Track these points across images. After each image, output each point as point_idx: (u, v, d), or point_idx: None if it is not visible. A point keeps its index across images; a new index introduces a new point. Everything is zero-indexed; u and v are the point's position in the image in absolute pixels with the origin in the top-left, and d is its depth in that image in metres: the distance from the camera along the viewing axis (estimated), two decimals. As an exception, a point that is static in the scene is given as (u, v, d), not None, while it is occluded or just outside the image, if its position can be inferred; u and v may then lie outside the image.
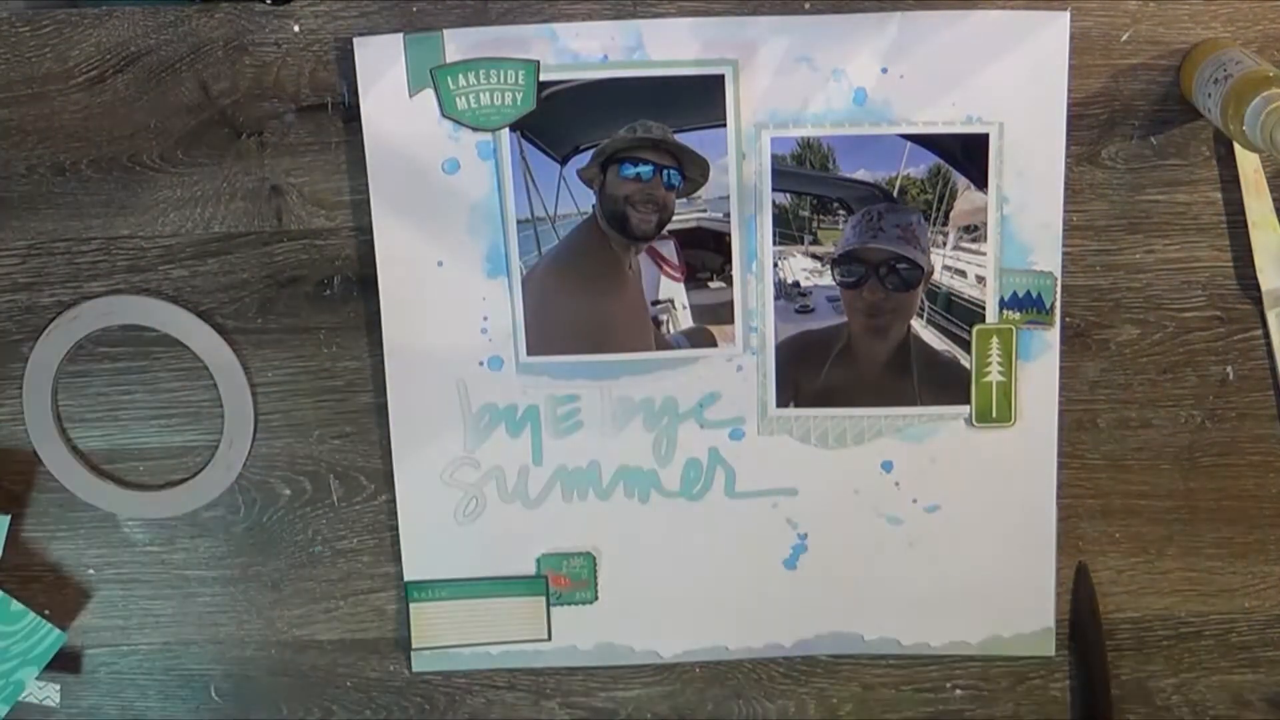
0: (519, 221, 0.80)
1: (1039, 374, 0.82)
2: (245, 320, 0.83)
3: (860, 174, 0.79)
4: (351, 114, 0.79)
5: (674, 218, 0.80)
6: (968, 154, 0.79)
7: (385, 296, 0.81)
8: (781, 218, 0.80)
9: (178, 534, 0.86)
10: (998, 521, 0.84)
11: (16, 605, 0.84)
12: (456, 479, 0.84)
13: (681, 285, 0.81)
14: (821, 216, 0.80)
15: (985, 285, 0.81)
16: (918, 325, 0.81)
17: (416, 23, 0.78)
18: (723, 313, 0.82)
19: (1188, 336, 0.82)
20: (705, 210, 0.80)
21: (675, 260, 0.81)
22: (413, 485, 0.84)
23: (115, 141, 0.80)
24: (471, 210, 0.80)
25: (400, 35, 0.78)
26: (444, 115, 0.78)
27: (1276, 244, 0.80)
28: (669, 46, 0.78)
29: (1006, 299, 0.81)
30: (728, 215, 0.80)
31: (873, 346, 0.82)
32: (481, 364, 0.82)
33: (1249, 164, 0.79)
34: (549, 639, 0.86)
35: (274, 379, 0.83)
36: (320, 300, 0.82)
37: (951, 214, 0.80)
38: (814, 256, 0.81)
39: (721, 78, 0.78)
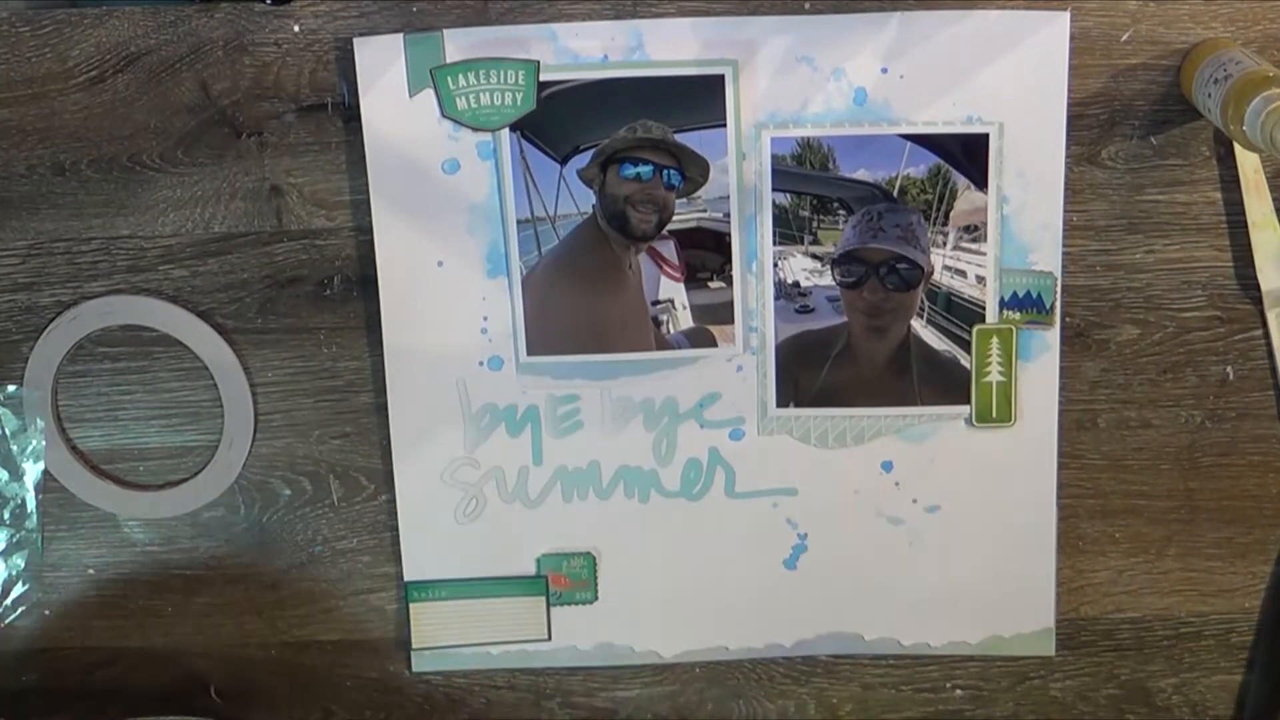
0: (519, 221, 0.80)
1: (1039, 374, 0.82)
2: (245, 320, 0.83)
3: (860, 174, 0.79)
4: (351, 114, 0.79)
5: (674, 218, 0.80)
6: (968, 154, 0.79)
7: (385, 296, 0.81)
8: (781, 218, 0.80)
9: (178, 534, 0.86)
10: (998, 521, 0.84)
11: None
12: (456, 479, 0.84)
13: (681, 285, 0.81)
14: (821, 216, 0.80)
15: (985, 285, 0.81)
16: (918, 325, 0.81)
17: (416, 23, 0.78)
18: (723, 313, 0.82)
19: (1188, 336, 0.82)
20: (705, 210, 0.80)
21: (675, 260, 0.81)
22: (413, 485, 0.84)
23: (115, 141, 0.80)
24: (471, 210, 0.80)
25: (400, 35, 0.78)
26: (444, 115, 0.78)
27: (1276, 244, 0.80)
28: (669, 46, 0.78)
29: (1006, 299, 0.81)
30: (728, 215, 0.80)
31: (873, 346, 0.82)
32: (481, 364, 0.82)
33: (1249, 164, 0.79)
34: (549, 639, 0.86)
35: (274, 379, 0.83)
36: (320, 300, 0.82)
37: (951, 214, 0.80)
38: (814, 256, 0.81)
39: (721, 78, 0.78)
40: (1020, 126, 0.79)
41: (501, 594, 0.85)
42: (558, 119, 0.79)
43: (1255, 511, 0.84)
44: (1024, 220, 0.80)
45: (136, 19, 0.78)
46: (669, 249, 0.81)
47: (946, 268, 0.81)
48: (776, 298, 0.81)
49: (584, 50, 0.78)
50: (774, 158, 0.79)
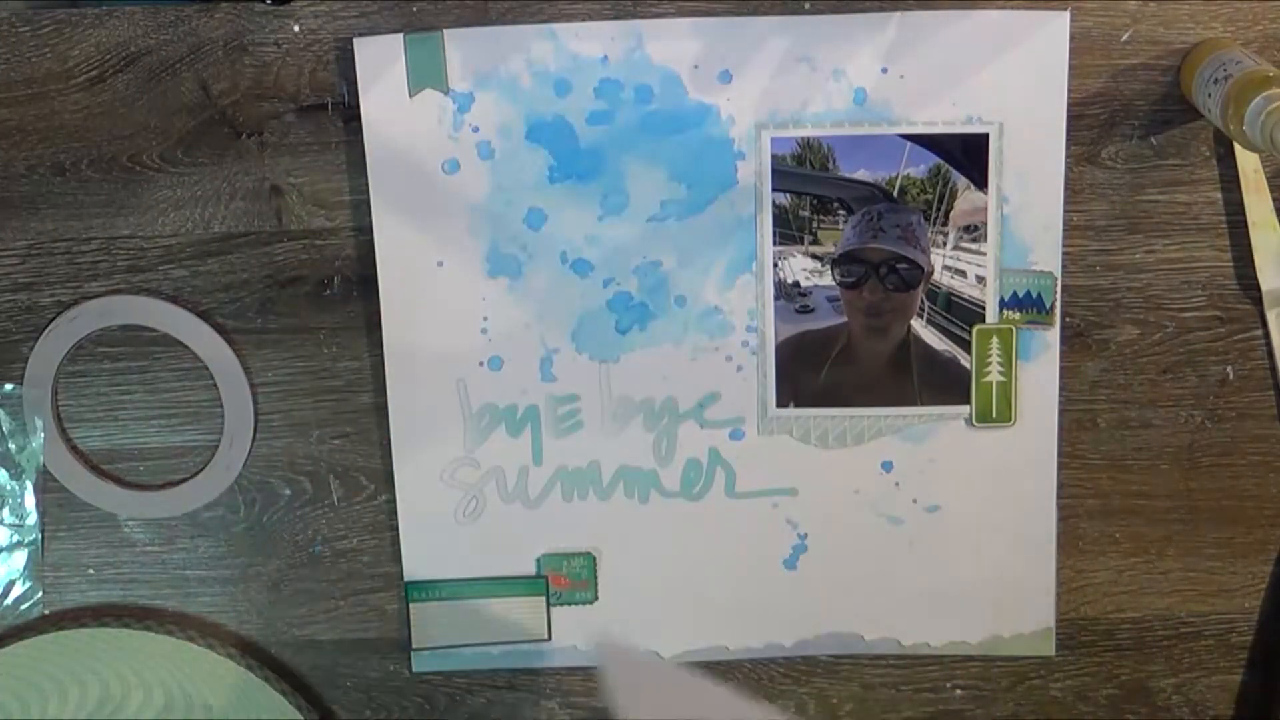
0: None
1: (1039, 374, 0.82)
2: (245, 320, 0.83)
3: (860, 174, 0.79)
4: (351, 114, 0.79)
5: (674, 218, 0.80)
6: (968, 154, 0.79)
7: (385, 296, 0.81)
8: (781, 218, 0.80)
9: (178, 534, 0.86)
10: (998, 521, 0.84)
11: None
12: (456, 479, 0.84)
13: (681, 285, 0.81)
14: (821, 216, 0.80)
15: (985, 285, 0.81)
16: (918, 325, 0.81)
17: (416, 23, 0.78)
18: (723, 313, 0.82)
19: (1188, 336, 0.82)
20: (705, 210, 0.80)
21: (675, 260, 0.81)
22: (413, 485, 0.84)
23: (115, 141, 0.80)
24: (471, 210, 0.80)
25: (400, 35, 0.78)
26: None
27: (1276, 244, 0.80)
28: (669, 46, 0.78)
29: (1006, 299, 0.81)
30: (728, 215, 0.80)
31: (873, 346, 0.82)
32: (481, 364, 0.82)
33: (1249, 164, 0.79)
34: (549, 639, 0.86)
35: (274, 379, 0.83)
36: (320, 300, 0.82)
37: (951, 214, 0.80)
38: (814, 256, 0.81)
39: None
40: (1020, 126, 0.79)
41: (501, 594, 0.85)
42: (558, 119, 0.79)
43: (1255, 511, 0.84)
44: (1024, 220, 0.80)
45: (136, 19, 0.78)
46: (669, 249, 0.81)
47: (946, 268, 0.81)
48: (776, 298, 0.81)
49: (584, 50, 0.78)
50: (774, 158, 0.79)
